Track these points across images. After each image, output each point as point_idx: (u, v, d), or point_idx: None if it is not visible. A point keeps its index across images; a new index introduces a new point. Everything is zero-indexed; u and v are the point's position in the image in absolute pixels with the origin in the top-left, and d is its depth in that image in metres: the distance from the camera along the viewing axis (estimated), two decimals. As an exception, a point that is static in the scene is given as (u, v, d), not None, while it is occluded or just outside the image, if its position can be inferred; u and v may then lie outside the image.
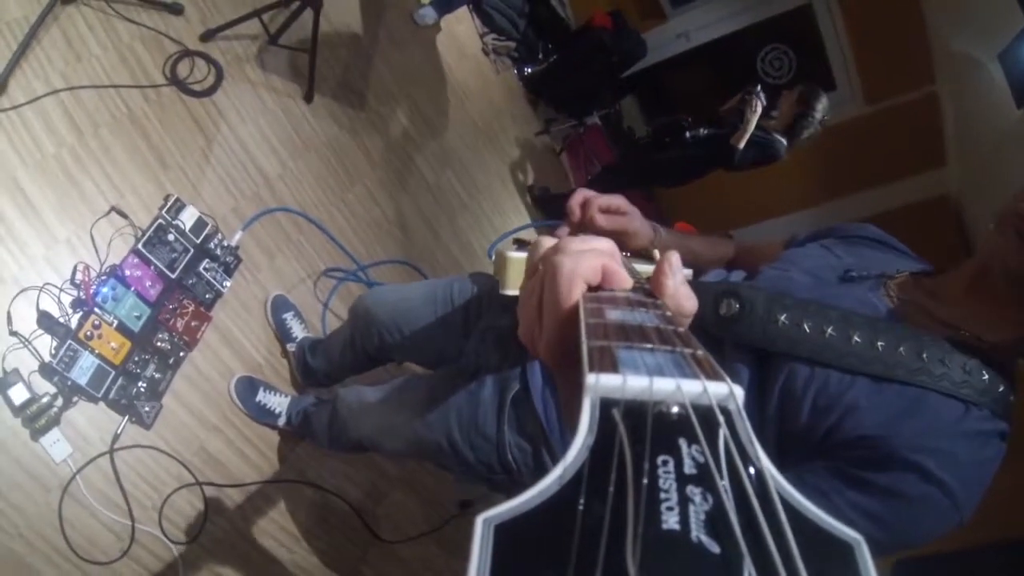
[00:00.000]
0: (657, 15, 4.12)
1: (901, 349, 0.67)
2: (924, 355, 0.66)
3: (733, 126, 2.70)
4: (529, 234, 1.04)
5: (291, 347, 1.79)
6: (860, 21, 3.53)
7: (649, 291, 0.37)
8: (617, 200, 0.88)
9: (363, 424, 1.21)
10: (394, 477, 1.99)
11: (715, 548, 0.15)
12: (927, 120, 3.29)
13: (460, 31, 3.57)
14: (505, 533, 0.16)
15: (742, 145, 2.66)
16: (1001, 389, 0.66)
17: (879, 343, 0.68)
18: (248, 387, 1.67)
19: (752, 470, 0.18)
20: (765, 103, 2.62)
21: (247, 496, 1.59)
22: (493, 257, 0.98)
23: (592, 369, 0.21)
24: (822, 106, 2.59)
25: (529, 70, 4.03)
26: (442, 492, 2.08)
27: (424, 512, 2.03)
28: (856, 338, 0.69)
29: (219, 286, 1.69)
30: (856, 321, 0.70)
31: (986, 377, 0.66)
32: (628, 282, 0.36)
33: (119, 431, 1.37)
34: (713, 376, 0.21)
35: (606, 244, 0.39)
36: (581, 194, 0.88)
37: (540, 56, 4.00)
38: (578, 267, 0.35)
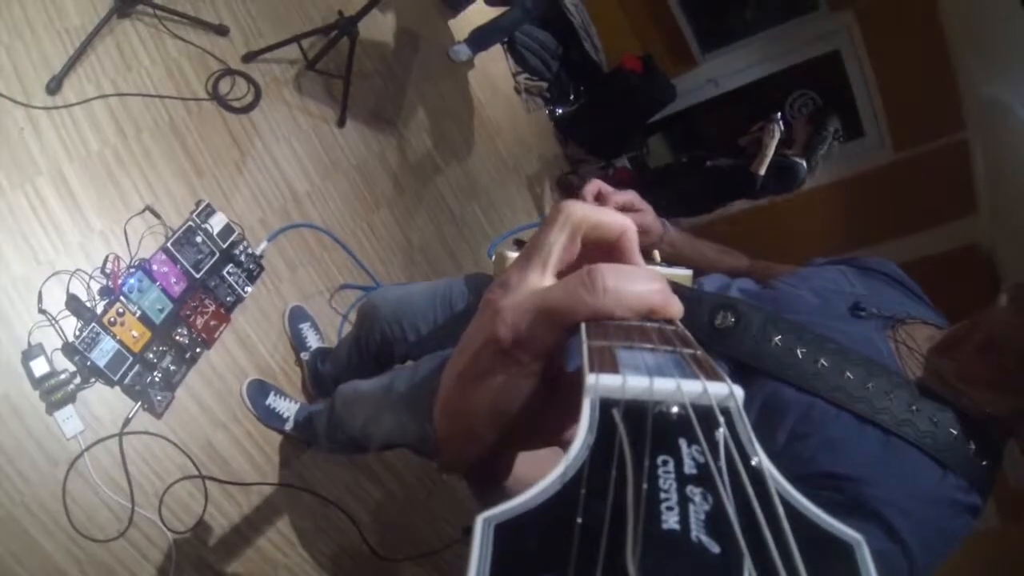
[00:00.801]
0: (688, 60, 4.20)
1: (892, 395, 0.66)
2: (914, 407, 0.65)
3: (752, 156, 2.74)
4: (531, 235, 1.06)
5: (305, 356, 1.83)
6: (888, 67, 3.53)
7: None
8: (632, 196, 0.89)
9: (357, 414, 1.23)
10: (398, 496, 1.98)
11: (715, 548, 0.15)
12: (958, 167, 3.23)
13: (493, 69, 3.66)
14: (505, 532, 0.16)
15: (762, 171, 2.68)
16: (984, 464, 0.65)
17: (870, 384, 0.67)
18: (259, 390, 1.70)
19: (754, 461, 0.18)
20: (783, 128, 2.66)
21: (247, 495, 1.61)
22: (493, 257, 1.01)
23: (592, 369, 0.21)
24: (833, 122, 2.65)
25: (560, 111, 4.09)
26: (447, 515, 2.05)
27: (425, 534, 2.00)
28: (849, 374, 0.68)
29: (240, 291, 1.75)
30: (853, 358, 0.69)
31: (972, 447, 0.64)
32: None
33: (130, 416, 1.42)
34: (713, 376, 0.21)
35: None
36: (596, 185, 0.87)
37: (571, 97, 4.05)
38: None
